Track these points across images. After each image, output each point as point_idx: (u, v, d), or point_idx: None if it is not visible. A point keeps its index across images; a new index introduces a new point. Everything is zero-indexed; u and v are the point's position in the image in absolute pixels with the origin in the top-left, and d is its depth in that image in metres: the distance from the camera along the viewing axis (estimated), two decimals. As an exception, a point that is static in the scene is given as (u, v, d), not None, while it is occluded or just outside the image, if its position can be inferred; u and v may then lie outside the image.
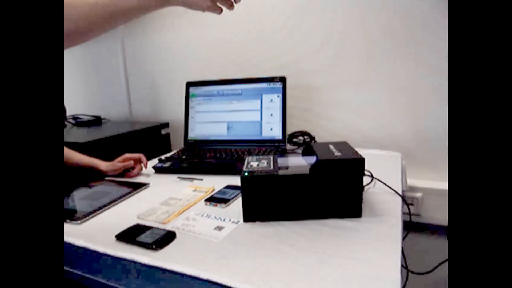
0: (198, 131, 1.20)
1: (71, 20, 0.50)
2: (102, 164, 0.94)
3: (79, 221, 0.66)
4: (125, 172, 0.94)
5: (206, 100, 1.20)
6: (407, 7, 1.00)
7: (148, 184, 0.86)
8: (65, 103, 1.46)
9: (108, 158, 0.96)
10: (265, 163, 0.67)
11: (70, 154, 0.94)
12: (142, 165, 0.97)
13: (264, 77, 1.14)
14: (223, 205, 0.71)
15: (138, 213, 0.68)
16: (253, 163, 0.67)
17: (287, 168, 0.64)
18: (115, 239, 0.58)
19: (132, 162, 0.95)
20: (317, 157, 0.61)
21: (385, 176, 0.80)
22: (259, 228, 0.60)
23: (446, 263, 0.99)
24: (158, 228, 0.60)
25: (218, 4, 0.63)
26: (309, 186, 0.61)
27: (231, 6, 0.65)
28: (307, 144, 0.92)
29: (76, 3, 0.51)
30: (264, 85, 1.14)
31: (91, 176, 0.92)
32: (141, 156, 0.97)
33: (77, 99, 1.78)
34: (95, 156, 0.97)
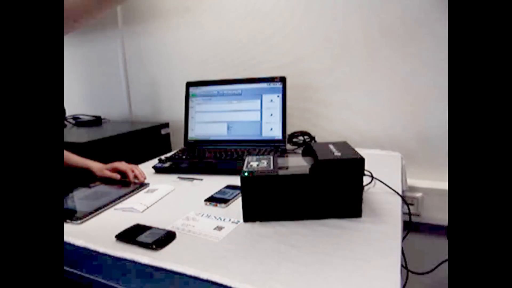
0: (198, 131, 1.20)
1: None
2: (95, 167, 0.93)
3: (79, 221, 0.66)
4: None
5: (206, 100, 1.20)
6: (407, 7, 1.00)
7: (148, 184, 0.86)
8: (65, 103, 1.46)
9: (108, 158, 0.96)
10: (265, 163, 0.67)
11: (65, 155, 0.94)
12: (137, 172, 0.90)
13: (264, 77, 1.14)
14: (223, 205, 0.71)
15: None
16: (253, 163, 0.67)
17: (287, 168, 0.64)
18: (115, 239, 0.58)
19: (118, 176, 0.90)
20: (317, 157, 0.61)
21: (385, 176, 0.80)
22: (259, 228, 0.60)
23: (446, 263, 0.99)
24: (158, 228, 0.60)
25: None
26: (309, 186, 0.61)
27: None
28: (307, 144, 0.92)
29: None
30: (264, 85, 1.14)
31: (84, 178, 0.92)
32: (134, 167, 0.91)
33: (77, 99, 1.78)
34: (95, 156, 0.97)
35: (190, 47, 1.40)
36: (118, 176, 0.91)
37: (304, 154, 0.74)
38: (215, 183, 0.84)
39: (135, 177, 0.89)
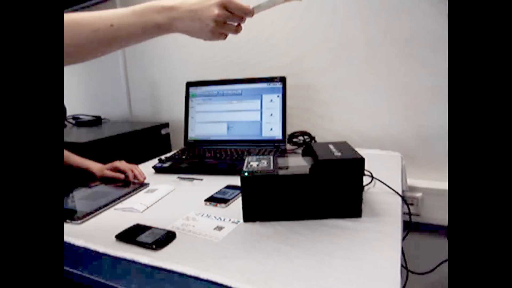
0: (198, 131, 1.20)
1: (73, 45, 0.51)
2: (94, 167, 0.93)
3: (79, 221, 0.66)
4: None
5: (206, 100, 1.20)
6: (407, 7, 1.00)
7: (148, 184, 0.86)
8: (65, 103, 1.46)
9: (108, 158, 0.96)
10: (265, 163, 0.67)
11: (65, 155, 0.94)
12: (137, 172, 0.90)
13: (264, 77, 1.14)
14: (223, 205, 0.71)
15: None
16: (253, 163, 0.67)
17: (287, 168, 0.64)
18: (115, 239, 0.58)
19: (122, 175, 0.90)
20: (317, 157, 0.61)
21: (385, 176, 0.80)
22: (259, 228, 0.60)
23: (446, 263, 0.99)
24: (158, 228, 0.60)
25: (221, 31, 0.58)
26: (309, 186, 0.61)
27: (236, 31, 0.60)
28: (307, 144, 0.92)
29: (79, 29, 0.51)
30: (264, 85, 1.14)
31: (84, 178, 0.92)
32: (133, 167, 0.91)
33: (77, 99, 1.78)
34: (95, 157, 0.97)
35: (190, 47, 1.39)
36: (122, 176, 0.90)
37: (304, 154, 0.74)
38: (215, 183, 0.84)
39: (135, 177, 0.89)
